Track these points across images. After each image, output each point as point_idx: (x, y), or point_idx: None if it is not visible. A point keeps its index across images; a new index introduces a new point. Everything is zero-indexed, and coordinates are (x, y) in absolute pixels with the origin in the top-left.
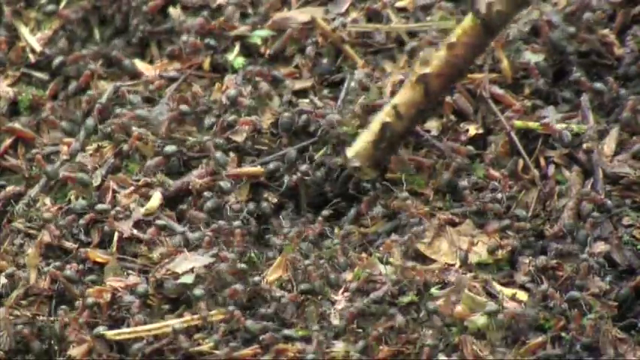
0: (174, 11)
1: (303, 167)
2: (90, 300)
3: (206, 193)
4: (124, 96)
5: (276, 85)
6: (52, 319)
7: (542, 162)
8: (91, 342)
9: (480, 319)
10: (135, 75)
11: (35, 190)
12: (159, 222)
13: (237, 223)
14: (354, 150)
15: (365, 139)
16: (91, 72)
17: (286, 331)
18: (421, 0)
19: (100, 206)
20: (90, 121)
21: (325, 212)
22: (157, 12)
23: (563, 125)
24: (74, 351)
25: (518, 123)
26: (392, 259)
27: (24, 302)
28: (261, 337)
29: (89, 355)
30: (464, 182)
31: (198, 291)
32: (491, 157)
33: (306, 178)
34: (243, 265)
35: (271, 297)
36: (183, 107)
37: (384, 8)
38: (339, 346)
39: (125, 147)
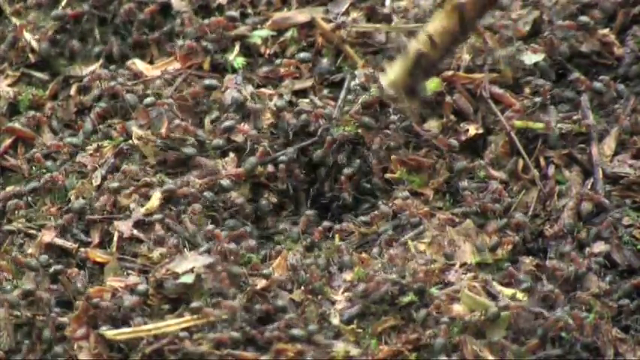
0: (177, 3)
1: (303, 167)
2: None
3: (206, 193)
4: (124, 96)
5: (276, 85)
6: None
7: (542, 162)
8: (91, 342)
9: (480, 319)
10: (135, 75)
11: (35, 190)
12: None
13: (237, 223)
14: (390, 79)
15: (400, 67)
16: (91, 72)
17: (286, 331)
18: (421, 0)
19: (99, 205)
20: (90, 121)
21: (325, 212)
22: (157, 12)
23: (563, 125)
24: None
25: (518, 123)
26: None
27: (24, 302)
28: (261, 338)
29: (89, 355)
30: (464, 183)
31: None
32: (491, 157)
33: (306, 177)
34: (242, 269)
35: (271, 297)
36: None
37: (384, 8)
38: (339, 346)
39: (125, 147)
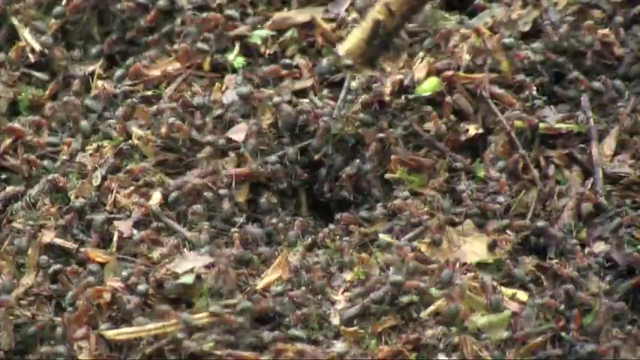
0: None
1: (303, 167)
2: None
3: (206, 193)
4: (124, 96)
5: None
6: (52, 318)
7: (543, 162)
8: (91, 342)
9: (480, 319)
10: (135, 75)
11: (35, 190)
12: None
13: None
14: (346, 48)
15: (357, 36)
16: (91, 72)
17: (286, 332)
18: None
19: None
20: (90, 121)
21: (325, 212)
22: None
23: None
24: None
25: (518, 123)
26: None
27: (24, 302)
28: (261, 338)
29: (89, 355)
30: (463, 184)
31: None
32: (491, 157)
33: (306, 177)
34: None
35: (271, 297)
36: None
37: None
38: (339, 346)
39: (125, 147)
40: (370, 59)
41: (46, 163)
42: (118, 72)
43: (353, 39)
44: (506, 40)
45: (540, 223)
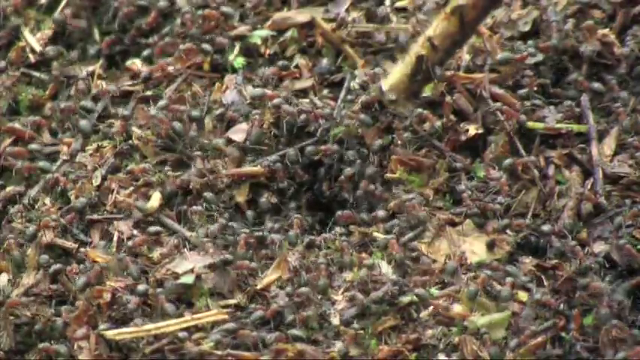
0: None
1: (303, 167)
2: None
3: (206, 193)
4: (124, 96)
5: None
6: (52, 319)
7: (542, 162)
8: (91, 342)
9: (480, 319)
10: (135, 75)
11: (35, 190)
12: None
13: (237, 223)
14: (390, 83)
15: (401, 71)
16: (91, 72)
17: (286, 332)
18: (421, 0)
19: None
20: (90, 121)
21: (325, 212)
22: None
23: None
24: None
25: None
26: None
27: (24, 302)
28: (261, 338)
29: (89, 355)
30: (463, 184)
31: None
32: (491, 157)
33: (306, 177)
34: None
35: (271, 297)
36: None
37: (384, 8)
38: (339, 346)
39: (125, 147)
40: (413, 94)
41: (43, 163)
42: (119, 72)
43: (396, 74)
44: (501, 56)
45: (540, 224)
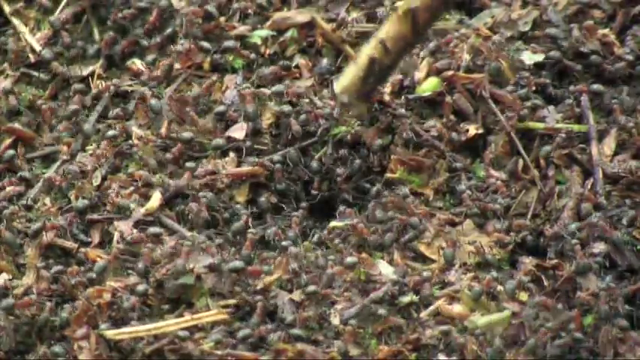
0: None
1: (303, 167)
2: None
3: (205, 193)
4: (124, 96)
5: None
6: (52, 319)
7: (542, 162)
8: (91, 342)
9: (480, 319)
10: (135, 75)
11: (35, 190)
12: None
13: (237, 224)
14: (342, 85)
15: (352, 73)
16: (91, 72)
17: (286, 332)
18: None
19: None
20: (90, 121)
21: (325, 212)
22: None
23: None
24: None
25: (518, 123)
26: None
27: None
28: (261, 338)
29: (89, 355)
30: (463, 184)
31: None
32: (491, 157)
33: (306, 178)
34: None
35: (271, 297)
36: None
37: (384, 8)
38: (339, 346)
39: (125, 147)
40: (366, 95)
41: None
42: (119, 72)
43: (348, 76)
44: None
45: (540, 224)
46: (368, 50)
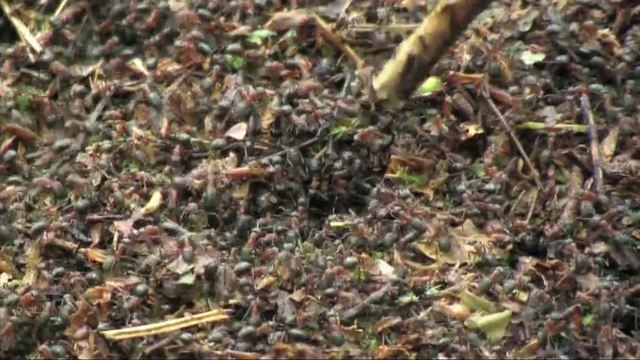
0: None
1: (304, 167)
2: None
3: (206, 193)
4: (124, 97)
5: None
6: (52, 319)
7: (542, 162)
8: (91, 342)
9: (480, 319)
10: (135, 75)
11: (35, 190)
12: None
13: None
14: (381, 81)
15: (391, 70)
16: (91, 72)
17: (286, 331)
18: (421, 0)
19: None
20: (90, 121)
21: (325, 212)
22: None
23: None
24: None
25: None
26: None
27: (24, 302)
28: (261, 338)
29: (89, 355)
30: (463, 184)
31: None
32: (491, 157)
33: (306, 177)
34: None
35: (271, 297)
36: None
37: (384, 8)
38: (339, 346)
39: (125, 147)
40: (404, 92)
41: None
42: (119, 72)
43: (388, 73)
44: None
45: (540, 224)
46: (407, 47)
